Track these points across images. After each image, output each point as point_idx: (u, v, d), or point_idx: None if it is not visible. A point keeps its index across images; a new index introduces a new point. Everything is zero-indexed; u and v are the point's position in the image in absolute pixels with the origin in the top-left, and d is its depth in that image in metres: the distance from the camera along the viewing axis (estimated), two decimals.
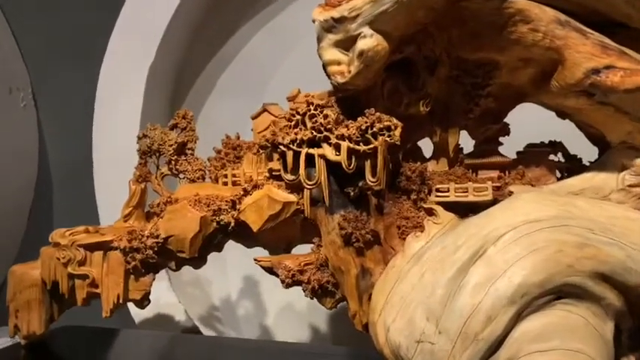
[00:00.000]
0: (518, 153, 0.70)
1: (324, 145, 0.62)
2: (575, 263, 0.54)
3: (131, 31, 1.18)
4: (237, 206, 0.70)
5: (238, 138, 0.81)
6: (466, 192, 0.64)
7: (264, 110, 0.78)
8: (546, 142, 0.71)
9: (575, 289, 0.55)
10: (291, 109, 0.64)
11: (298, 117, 0.63)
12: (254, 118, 0.78)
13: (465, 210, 0.64)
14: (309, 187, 0.63)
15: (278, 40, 1.22)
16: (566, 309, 0.55)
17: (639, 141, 0.60)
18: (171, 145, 0.81)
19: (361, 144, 0.60)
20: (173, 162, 0.81)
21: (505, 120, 0.70)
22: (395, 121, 0.60)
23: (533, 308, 0.54)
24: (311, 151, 0.62)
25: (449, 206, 0.64)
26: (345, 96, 0.63)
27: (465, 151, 0.70)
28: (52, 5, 1.29)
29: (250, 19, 1.25)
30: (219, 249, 0.76)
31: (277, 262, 0.68)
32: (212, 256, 0.78)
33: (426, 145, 0.71)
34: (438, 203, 0.64)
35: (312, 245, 0.69)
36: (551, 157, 0.69)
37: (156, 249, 0.73)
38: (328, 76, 0.61)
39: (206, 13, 1.22)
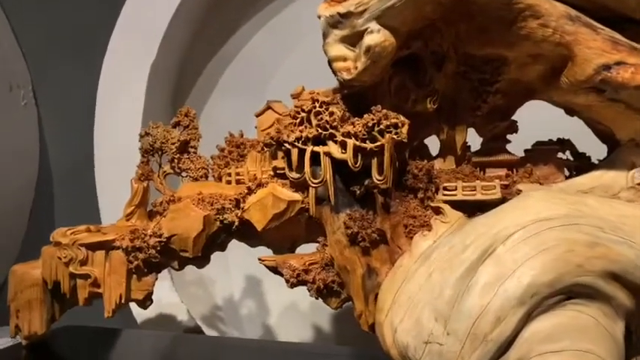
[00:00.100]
0: (526, 151, 0.69)
1: (330, 142, 0.61)
2: (586, 263, 0.54)
3: (132, 29, 1.18)
4: (241, 205, 0.69)
5: (242, 136, 0.80)
6: (474, 190, 0.63)
7: (268, 108, 0.77)
8: (554, 139, 0.70)
9: (586, 289, 0.54)
10: (296, 107, 0.63)
11: (303, 114, 0.62)
12: (258, 115, 0.78)
13: (472, 209, 0.63)
14: (314, 185, 0.62)
15: (280, 38, 1.22)
16: (577, 309, 0.54)
17: None
18: (173, 144, 0.80)
19: (368, 141, 0.59)
20: (176, 160, 0.81)
21: (512, 117, 0.69)
22: (402, 118, 0.59)
23: (543, 308, 0.53)
24: (316, 148, 0.61)
25: (456, 205, 0.63)
26: (350, 93, 0.62)
27: (472, 149, 0.69)
28: (52, 2, 1.28)
29: (252, 17, 1.25)
30: (223, 248, 0.76)
31: (282, 262, 0.67)
32: (215, 256, 0.77)
33: (432, 144, 0.70)
34: (446, 202, 0.63)
35: (317, 244, 0.68)
36: (560, 155, 0.68)
37: (159, 248, 0.72)
38: (334, 72, 0.60)
39: (207, 11, 1.22)
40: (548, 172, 0.66)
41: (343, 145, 0.60)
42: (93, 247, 0.75)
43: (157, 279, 0.76)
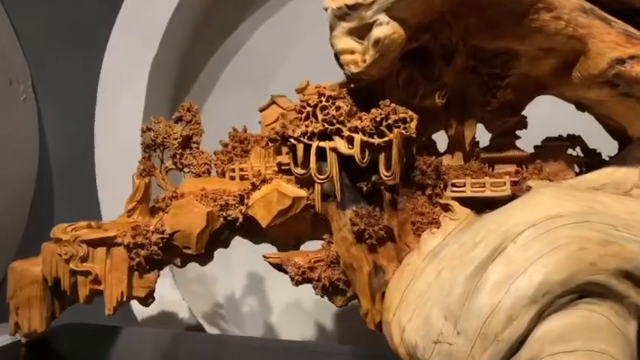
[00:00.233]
0: (535, 147, 0.68)
1: (336, 137, 0.60)
2: (599, 261, 0.53)
3: (133, 23, 1.16)
4: (245, 201, 0.68)
5: (245, 131, 0.78)
6: (483, 187, 0.61)
7: (272, 102, 0.76)
8: (564, 135, 0.69)
9: (599, 287, 0.53)
10: (302, 101, 0.62)
11: (309, 109, 0.61)
12: (262, 110, 0.76)
13: (481, 206, 0.62)
14: (320, 181, 0.61)
15: (281, 33, 1.21)
16: (589, 308, 0.53)
17: None
18: (176, 139, 0.79)
19: (375, 136, 0.58)
20: (178, 156, 0.79)
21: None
22: (411, 113, 0.58)
23: (555, 307, 0.52)
24: (322, 144, 0.60)
25: (465, 202, 0.62)
26: (357, 87, 0.61)
27: (481, 145, 0.68)
28: None
29: (253, 12, 1.23)
30: (226, 245, 0.74)
31: (287, 259, 0.66)
32: (217, 253, 0.76)
33: (440, 139, 0.69)
34: (454, 199, 0.62)
35: (322, 241, 0.67)
36: (570, 151, 0.67)
37: (161, 245, 0.71)
38: (341, 65, 0.59)
39: (209, 5, 1.21)
40: (558, 168, 0.65)
41: (350, 141, 0.59)
42: (94, 243, 0.74)
43: (159, 276, 0.75)
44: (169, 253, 0.72)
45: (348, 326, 1.13)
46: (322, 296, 0.66)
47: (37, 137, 1.32)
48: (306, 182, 0.64)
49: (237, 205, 0.69)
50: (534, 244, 0.53)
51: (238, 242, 0.75)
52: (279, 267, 0.67)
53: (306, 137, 0.60)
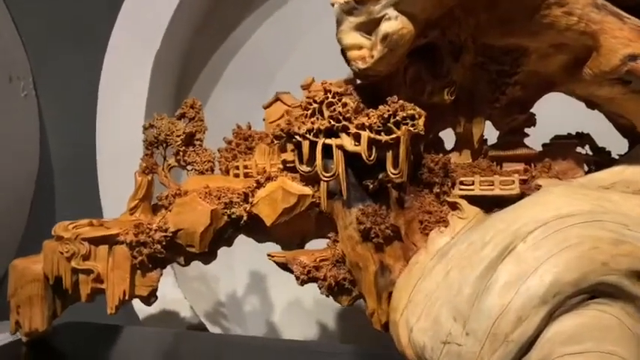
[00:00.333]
0: (544, 145, 0.67)
1: (343, 135, 0.59)
2: (611, 261, 0.52)
3: (135, 20, 1.16)
4: (250, 199, 0.67)
5: (250, 128, 0.78)
6: (492, 185, 0.60)
7: (277, 99, 0.75)
8: (573, 133, 0.68)
9: (610, 288, 0.52)
10: (308, 97, 0.61)
11: (315, 105, 0.60)
12: (266, 107, 0.75)
13: (490, 204, 0.61)
14: (325, 179, 0.60)
15: (284, 30, 1.20)
16: (600, 309, 0.52)
17: None
18: (178, 136, 0.78)
19: (383, 134, 0.57)
20: (181, 153, 0.79)
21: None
22: (419, 109, 0.57)
23: (566, 308, 0.52)
24: (328, 141, 0.59)
25: (473, 200, 0.61)
26: (364, 83, 0.60)
27: (489, 142, 0.67)
28: None
29: (256, 9, 1.23)
30: (230, 243, 0.73)
31: (292, 258, 0.65)
32: (219, 251, 0.75)
33: (447, 137, 0.68)
34: (462, 197, 0.61)
35: (327, 240, 0.66)
36: (579, 149, 0.66)
37: (164, 243, 0.70)
38: (348, 61, 0.58)
39: (211, 2, 1.20)
40: (567, 167, 0.64)
41: (357, 138, 0.58)
42: (96, 241, 0.73)
43: (161, 275, 0.74)
44: (172, 251, 0.71)
45: (350, 326, 1.12)
46: (328, 296, 0.65)
47: (38, 134, 1.31)
48: (311, 180, 0.63)
49: (241, 203, 0.68)
50: (545, 244, 0.53)
51: (240, 241, 0.74)
52: (284, 266, 0.66)
53: (312, 134, 0.59)
